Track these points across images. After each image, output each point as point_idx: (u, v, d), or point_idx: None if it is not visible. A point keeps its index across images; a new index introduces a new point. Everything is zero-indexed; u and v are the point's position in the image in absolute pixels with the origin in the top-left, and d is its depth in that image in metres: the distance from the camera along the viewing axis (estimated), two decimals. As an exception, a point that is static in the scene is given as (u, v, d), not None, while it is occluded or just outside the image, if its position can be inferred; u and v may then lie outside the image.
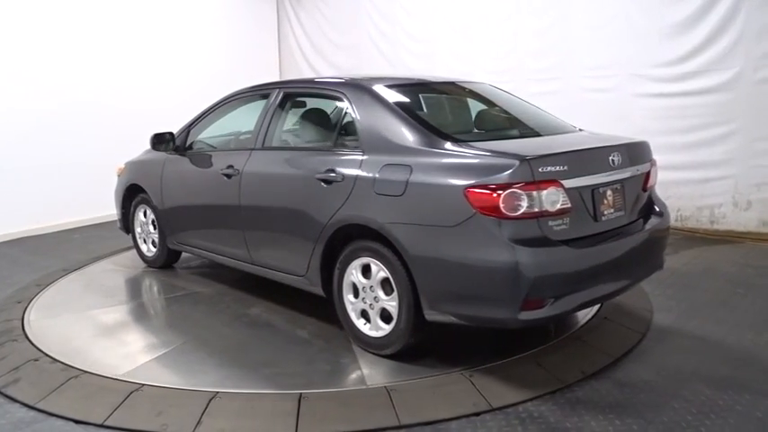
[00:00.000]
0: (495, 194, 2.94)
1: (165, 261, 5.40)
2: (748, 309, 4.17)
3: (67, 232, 7.07)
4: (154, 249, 5.42)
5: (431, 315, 3.22)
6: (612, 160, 3.37)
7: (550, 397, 3.03)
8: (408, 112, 3.62)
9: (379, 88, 3.83)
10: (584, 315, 3.97)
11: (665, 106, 6.41)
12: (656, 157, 6.23)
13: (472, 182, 3.01)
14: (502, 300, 2.99)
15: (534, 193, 2.98)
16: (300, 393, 3.08)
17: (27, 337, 3.89)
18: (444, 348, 3.61)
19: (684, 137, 6.33)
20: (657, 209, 3.79)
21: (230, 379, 3.32)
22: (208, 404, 3.00)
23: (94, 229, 7.25)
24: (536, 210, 2.99)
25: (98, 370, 3.39)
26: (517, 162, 2.98)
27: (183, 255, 5.46)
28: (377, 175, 3.40)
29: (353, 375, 3.34)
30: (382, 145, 3.52)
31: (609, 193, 3.36)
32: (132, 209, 5.56)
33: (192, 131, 4.94)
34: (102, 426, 2.87)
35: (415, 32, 8.29)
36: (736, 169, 6.09)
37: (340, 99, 3.89)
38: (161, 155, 5.07)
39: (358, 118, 3.70)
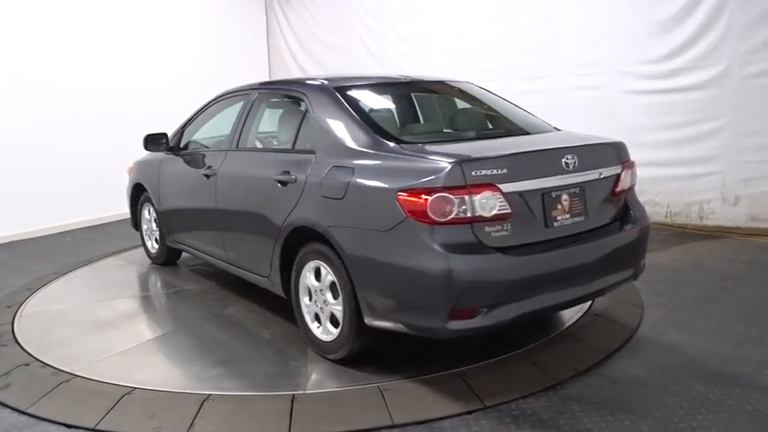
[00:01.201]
0: (422, 199, 2.84)
1: (167, 258, 5.52)
2: (737, 303, 4.20)
3: (58, 236, 7.03)
4: (157, 246, 5.56)
5: (369, 321, 3.16)
6: (566, 163, 3.18)
7: (543, 394, 3.04)
8: (360, 114, 3.54)
9: (338, 89, 3.75)
10: (576, 312, 3.99)
11: (653, 103, 6.45)
12: (644, 153, 6.27)
13: (403, 185, 2.93)
14: (430, 308, 2.89)
15: (466, 197, 2.85)
16: (293, 394, 3.08)
17: (17, 342, 3.87)
18: (437, 347, 3.61)
19: (672, 133, 6.38)
20: (633, 214, 3.57)
21: (173, 378, 3.36)
22: (200, 406, 2.99)
23: (85, 232, 7.21)
24: (469, 215, 2.86)
25: (89, 374, 3.37)
26: (448, 165, 2.87)
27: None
28: (323, 178, 3.39)
29: (295, 379, 3.30)
30: (331, 146, 3.50)
31: (564, 197, 3.19)
32: (139, 207, 5.71)
33: (185, 132, 5.02)
34: (93, 430, 2.86)
35: (405, 32, 8.29)
36: (723, 165, 6.14)
37: (302, 100, 3.87)
38: (160, 155, 5.15)
39: (313, 118, 3.68)
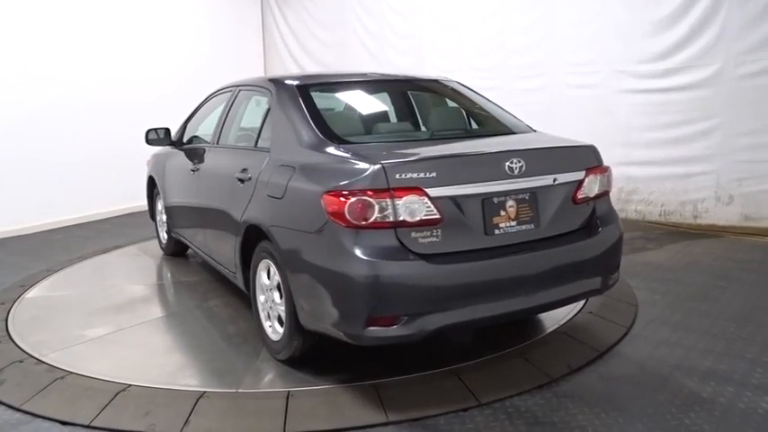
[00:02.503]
0: (342, 201, 2.77)
1: (174, 250, 5.64)
2: (730, 302, 4.22)
3: (50, 233, 7.00)
4: (166, 237, 5.71)
5: (304, 323, 3.12)
6: (510, 167, 2.99)
7: (537, 391, 3.05)
8: (313, 113, 3.47)
9: (301, 87, 3.70)
10: (570, 310, 4.00)
11: (648, 102, 6.48)
12: (639, 152, 6.30)
13: (328, 187, 2.87)
14: (349, 313, 2.83)
15: (388, 201, 2.76)
16: (288, 391, 3.08)
17: (11, 339, 3.86)
18: (432, 345, 3.62)
19: (667, 132, 6.41)
20: (601, 223, 3.36)
21: (127, 371, 3.37)
22: (195, 403, 2.99)
23: (77, 229, 7.19)
24: (391, 219, 2.76)
25: (84, 371, 3.36)
26: (370, 168, 2.80)
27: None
28: (270, 177, 3.39)
29: (235, 377, 3.29)
30: (281, 145, 3.50)
31: (510, 204, 3.03)
32: (154, 199, 5.90)
33: (188, 127, 5.10)
34: (89, 426, 2.85)
35: (401, 30, 8.30)
36: (718, 164, 6.17)
37: (268, 97, 3.85)
38: (167, 149, 5.25)
39: (272, 117, 3.67)
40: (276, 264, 3.28)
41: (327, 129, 3.36)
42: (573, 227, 3.28)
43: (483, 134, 3.80)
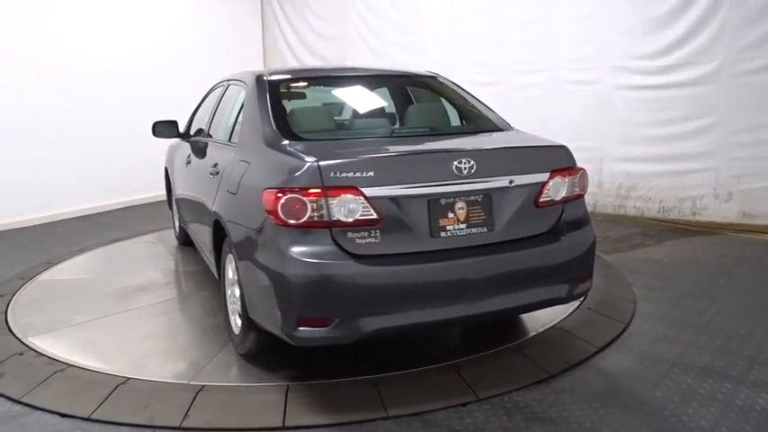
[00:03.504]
0: (276, 199, 2.74)
1: (186, 239, 5.63)
2: (728, 298, 4.23)
3: (49, 225, 6.99)
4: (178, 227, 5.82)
5: (253, 319, 3.11)
6: (458, 168, 2.89)
7: (536, 387, 3.07)
8: (276, 108, 3.45)
9: (272, 81, 3.67)
10: (568, 306, 4.00)
11: (647, 98, 6.48)
12: (637, 148, 6.29)
13: (268, 184, 2.85)
14: (281, 312, 2.81)
15: (322, 200, 2.72)
16: (287, 385, 3.09)
17: (11, 331, 3.86)
18: (430, 340, 3.63)
19: (666, 129, 6.41)
20: (568, 228, 3.21)
21: (94, 355, 3.49)
22: (195, 396, 3.00)
23: (76, 221, 7.18)
24: (326, 219, 2.72)
25: (83, 363, 3.37)
26: (304, 166, 2.77)
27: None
28: (231, 171, 3.40)
29: (192, 368, 3.33)
30: (244, 140, 3.51)
31: (459, 205, 2.93)
32: (171, 189, 5.96)
33: (194, 119, 5.13)
34: (88, 419, 2.86)
35: (401, 24, 8.29)
36: (716, 161, 6.17)
37: (244, 91, 3.85)
38: (177, 141, 5.31)
39: (244, 111, 3.67)
40: (233, 259, 3.29)
41: (285, 125, 3.35)
42: (535, 231, 3.14)
43: (450, 132, 3.70)
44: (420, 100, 4.37)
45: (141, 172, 7.93)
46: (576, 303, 4.06)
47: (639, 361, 3.33)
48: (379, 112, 4.19)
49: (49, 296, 4.56)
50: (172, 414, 2.87)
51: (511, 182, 3.03)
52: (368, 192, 2.75)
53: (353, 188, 2.74)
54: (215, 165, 3.76)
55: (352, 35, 8.81)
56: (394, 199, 2.81)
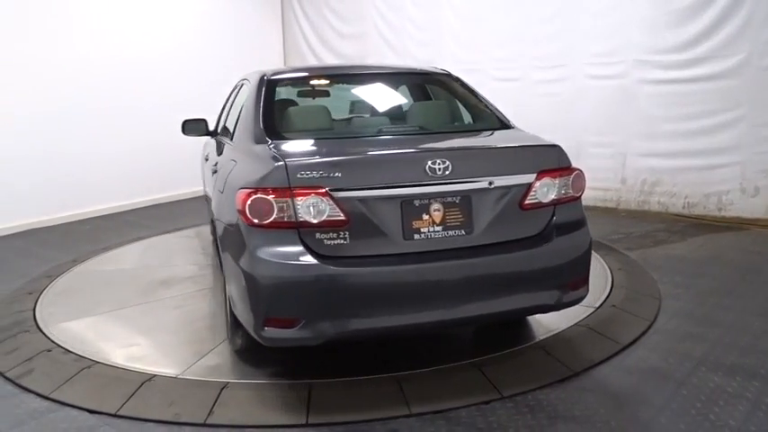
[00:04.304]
0: (244, 199, 2.75)
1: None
2: (756, 295, 4.17)
3: (76, 224, 7.10)
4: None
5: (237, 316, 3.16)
6: (432, 168, 2.81)
7: (559, 385, 3.05)
8: (267, 107, 3.48)
9: (272, 80, 3.70)
10: (592, 303, 3.97)
11: (671, 93, 6.40)
12: (662, 143, 6.20)
13: (241, 184, 2.87)
14: (250, 311, 2.82)
15: (288, 200, 2.70)
16: (310, 383, 3.10)
17: (39, 329, 3.92)
18: (454, 338, 3.62)
19: (691, 123, 6.32)
20: (554, 233, 3.07)
21: (104, 349, 3.58)
22: (219, 394, 3.03)
23: (102, 220, 7.27)
24: (293, 219, 2.71)
25: (109, 360, 3.42)
26: (272, 166, 2.78)
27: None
28: (223, 169, 3.45)
29: (212, 364, 3.38)
30: (238, 138, 3.55)
31: (435, 207, 2.86)
32: None
33: (220, 117, 5.17)
34: (115, 415, 2.90)
35: (421, 21, 8.26)
36: (743, 156, 6.07)
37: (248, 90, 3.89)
38: (209, 139, 5.33)
39: (242, 109, 3.70)
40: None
41: (271, 124, 3.37)
42: (521, 234, 3.03)
43: (441, 132, 3.63)
44: (420, 98, 4.33)
45: (166, 171, 8.03)
46: (599, 300, 4.03)
47: (665, 359, 3.29)
48: (374, 111, 4.19)
49: (74, 293, 4.63)
50: (197, 411, 2.90)
51: (491, 183, 2.92)
52: (335, 193, 2.73)
53: (320, 189, 2.72)
54: (215, 163, 3.85)
55: (371, 33, 8.80)
56: (363, 200, 2.77)
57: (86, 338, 3.75)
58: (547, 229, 3.07)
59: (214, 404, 2.94)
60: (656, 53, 6.42)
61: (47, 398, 3.08)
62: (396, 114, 4.15)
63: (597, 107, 6.90)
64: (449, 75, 4.17)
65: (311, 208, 2.71)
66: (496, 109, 3.81)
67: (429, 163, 2.82)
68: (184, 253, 5.72)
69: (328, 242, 2.75)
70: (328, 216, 2.72)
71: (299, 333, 2.73)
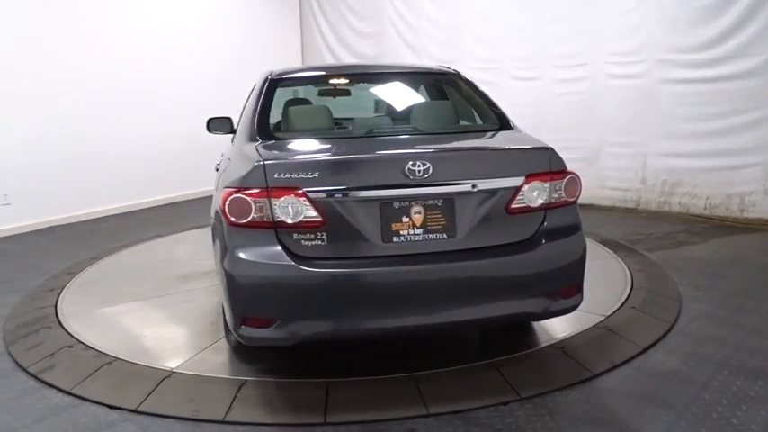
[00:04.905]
0: (224, 198, 2.79)
1: None
2: (779, 298, 4.11)
3: (95, 221, 7.18)
4: None
5: None
6: (411, 170, 2.77)
7: (578, 387, 3.02)
8: (264, 107, 3.51)
9: (276, 80, 3.73)
10: (611, 305, 3.94)
11: (693, 92, 6.32)
12: (683, 144, 6.12)
13: (225, 183, 2.90)
14: (230, 310, 2.86)
15: (266, 200, 2.72)
16: (328, 382, 3.10)
17: (61, 324, 3.97)
18: (472, 339, 3.61)
19: (713, 123, 6.24)
20: (543, 238, 2.97)
21: (115, 342, 3.65)
22: (238, 391, 3.04)
23: (120, 218, 7.36)
24: (270, 219, 2.72)
25: (130, 357, 3.45)
26: (251, 166, 2.79)
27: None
28: (221, 168, 3.46)
29: (230, 361, 3.41)
30: (236, 138, 3.56)
31: (416, 210, 2.82)
32: None
33: (240, 115, 5.17)
34: (135, 411, 2.93)
35: (438, 20, 8.24)
36: (766, 156, 5.98)
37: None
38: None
39: (245, 108, 3.72)
40: None
41: (264, 123, 3.40)
42: (507, 239, 2.95)
43: (433, 133, 3.58)
44: (423, 98, 4.30)
45: (183, 170, 8.10)
46: (618, 302, 3.99)
47: (686, 361, 3.25)
48: (374, 111, 4.22)
49: (94, 289, 4.68)
50: (215, 408, 2.92)
51: (474, 186, 2.85)
52: (311, 194, 2.73)
53: (297, 189, 2.72)
54: (218, 162, 3.87)
55: (389, 31, 8.80)
56: (341, 201, 2.76)
57: (107, 334, 3.79)
58: (536, 235, 2.99)
59: (232, 401, 2.96)
60: (679, 52, 6.35)
61: (68, 393, 3.12)
62: (394, 114, 4.15)
63: (618, 106, 6.84)
64: (454, 74, 4.08)
65: (288, 208, 2.72)
66: (499, 110, 3.72)
67: (409, 165, 2.79)
68: (202, 250, 5.74)
69: (306, 243, 2.76)
70: (305, 217, 2.74)
71: (274, 333, 2.76)
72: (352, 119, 4.27)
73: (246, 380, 3.15)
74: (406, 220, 2.81)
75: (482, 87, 3.97)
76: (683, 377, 3.08)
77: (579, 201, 3.17)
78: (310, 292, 2.74)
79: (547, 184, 2.98)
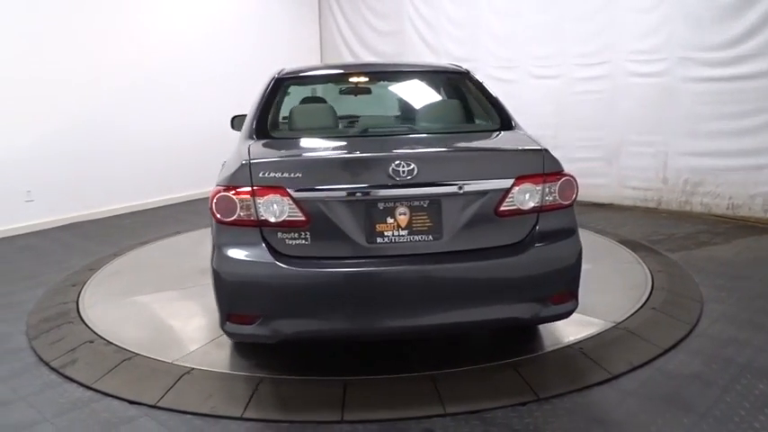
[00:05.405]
0: (212, 196, 2.84)
1: None
2: (804, 301, 4.04)
3: (116, 218, 7.26)
4: None
5: None
6: (396, 171, 2.75)
7: (597, 388, 2.99)
8: (265, 105, 3.54)
9: (284, 78, 3.76)
10: (632, 306, 3.90)
11: (716, 90, 6.23)
12: (706, 143, 6.05)
13: (217, 181, 2.94)
14: (218, 305, 2.91)
15: (250, 199, 2.76)
16: (345, 380, 3.10)
17: (82, 320, 4.02)
18: (490, 338, 3.59)
19: (736, 122, 6.15)
20: (534, 241, 2.90)
21: (132, 336, 3.70)
22: (255, 388, 3.06)
23: (142, 215, 7.43)
24: (254, 218, 2.76)
25: (149, 353, 3.48)
26: (238, 165, 2.83)
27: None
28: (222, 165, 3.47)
29: (247, 359, 3.38)
30: (239, 136, 3.56)
31: (401, 211, 2.80)
32: None
33: None
34: (154, 407, 2.96)
35: (457, 18, 8.20)
36: (791, 156, 5.89)
37: None
38: None
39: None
40: None
41: (263, 122, 3.42)
42: (497, 242, 2.90)
43: (427, 132, 3.55)
44: (427, 97, 4.25)
45: (201, 167, 8.12)
46: (639, 303, 3.95)
47: (707, 364, 3.20)
48: (376, 110, 4.22)
49: (115, 285, 4.73)
50: (233, 405, 2.94)
51: (460, 188, 2.82)
52: (295, 193, 2.75)
53: (281, 189, 2.75)
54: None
55: (408, 30, 8.78)
56: (324, 201, 2.77)
57: (127, 329, 3.82)
58: (527, 238, 2.93)
59: (250, 399, 2.98)
60: (701, 50, 6.26)
61: (89, 387, 3.16)
62: (394, 114, 4.15)
63: (639, 105, 6.76)
64: (462, 73, 3.99)
65: (271, 207, 2.76)
66: (503, 110, 3.62)
67: (393, 165, 2.77)
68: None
69: (290, 242, 2.79)
70: (288, 216, 2.76)
71: (257, 330, 2.80)
72: (357, 118, 4.27)
73: (264, 377, 3.17)
74: (390, 220, 2.81)
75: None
76: (705, 380, 3.04)
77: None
78: (292, 291, 2.77)
79: (539, 187, 2.91)
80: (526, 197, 2.90)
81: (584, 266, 3.08)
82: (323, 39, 9.95)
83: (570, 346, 3.40)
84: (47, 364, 3.44)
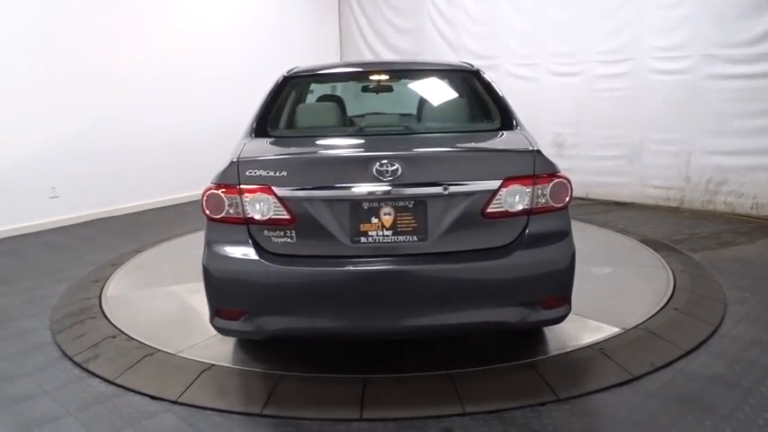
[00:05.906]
0: (203, 193, 2.91)
1: None
2: (830, 302, 3.96)
3: (139, 214, 7.34)
4: None
5: None
6: (380, 171, 2.75)
7: (618, 389, 2.97)
8: (269, 103, 3.60)
9: (291, 77, 3.80)
10: (653, 306, 3.86)
11: (741, 88, 6.14)
12: (730, 141, 5.96)
13: (211, 179, 2.97)
14: (207, 301, 2.97)
15: (237, 197, 2.82)
16: (365, 378, 3.11)
17: (105, 315, 4.07)
18: (509, 338, 3.58)
19: (761, 120, 6.06)
20: (523, 244, 2.84)
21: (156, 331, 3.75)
22: (275, 385, 3.08)
23: (163, 211, 7.50)
24: (241, 216, 2.83)
25: (171, 348, 3.52)
26: (227, 163, 2.91)
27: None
28: None
29: (268, 356, 3.39)
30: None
31: (386, 211, 2.79)
32: None
33: None
34: (176, 402, 2.99)
35: (477, 15, 8.16)
36: (818, 154, 5.78)
37: None
38: None
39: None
40: None
41: (263, 120, 3.46)
42: (483, 245, 2.86)
43: (425, 132, 3.53)
44: (431, 97, 4.19)
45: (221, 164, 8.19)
46: (660, 303, 3.90)
47: (730, 366, 3.16)
48: (377, 110, 4.23)
49: (137, 281, 4.79)
50: (253, 401, 2.96)
51: (445, 189, 2.79)
52: (280, 191, 2.79)
53: (266, 187, 2.80)
54: None
55: (427, 27, 8.75)
56: (309, 200, 2.80)
57: (149, 325, 3.87)
58: (516, 241, 2.87)
59: (270, 396, 3.00)
60: (725, 47, 6.17)
61: (111, 383, 3.20)
62: (400, 113, 4.15)
63: (661, 103, 6.68)
64: (472, 71, 3.91)
65: (257, 206, 2.82)
66: (507, 109, 3.53)
67: (377, 165, 2.77)
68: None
69: (276, 240, 2.84)
70: (274, 214, 2.81)
71: (243, 326, 2.88)
72: (363, 116, 4.28)
73: (284, 374, 3.19)
74: (375, 221, 2.81)
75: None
76: (728, 382, 3.01)
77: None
78: (276, 289, 2.83)
79: (529, 189, 2.85)
80: (515, 199, 2.85)
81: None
82: (342, 36, 9.96)
83: (590, 347, 3.37)
84: (70, 358, 3.50)
